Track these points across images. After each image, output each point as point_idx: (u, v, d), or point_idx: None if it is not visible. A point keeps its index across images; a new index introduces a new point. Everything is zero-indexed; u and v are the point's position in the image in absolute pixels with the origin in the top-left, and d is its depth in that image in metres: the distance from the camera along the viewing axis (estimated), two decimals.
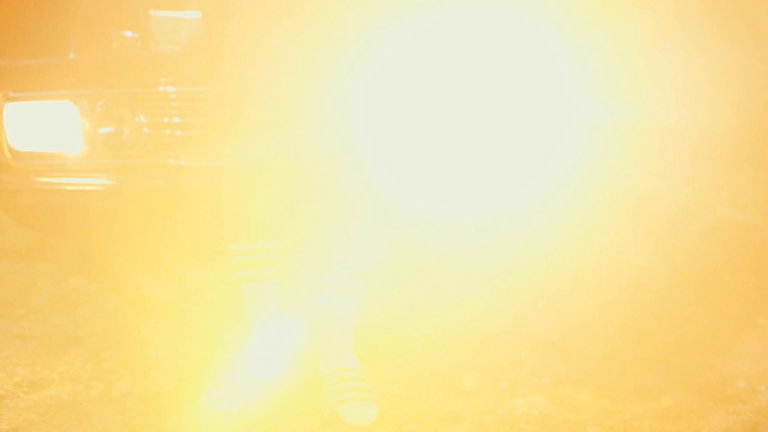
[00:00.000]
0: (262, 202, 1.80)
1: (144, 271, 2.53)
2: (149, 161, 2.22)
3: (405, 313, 2.19)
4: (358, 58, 1.72)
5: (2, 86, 2.32)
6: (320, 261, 1.85)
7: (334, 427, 1.70)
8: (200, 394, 1.76)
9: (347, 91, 1.73)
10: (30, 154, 2.28)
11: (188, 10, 2.78)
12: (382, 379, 1.88)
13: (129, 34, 2.63)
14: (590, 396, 1.83)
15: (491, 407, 1.79)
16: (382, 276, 1.88)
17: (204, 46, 2.16)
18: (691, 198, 2.28)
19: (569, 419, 1.73)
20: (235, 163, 1.79)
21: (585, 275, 2.17)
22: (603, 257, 2.19)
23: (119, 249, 2.48)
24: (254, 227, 1.81)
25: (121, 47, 2.59)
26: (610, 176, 2.01)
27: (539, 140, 1.91)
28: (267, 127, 1.76)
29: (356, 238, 1.81)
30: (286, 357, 1.88)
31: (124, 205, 2.24)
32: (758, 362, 1.93)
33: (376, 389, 1.79)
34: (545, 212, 1.97)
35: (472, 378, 1.89)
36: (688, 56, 2.05)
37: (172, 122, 2.21)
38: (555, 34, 1.85)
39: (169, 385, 1.86)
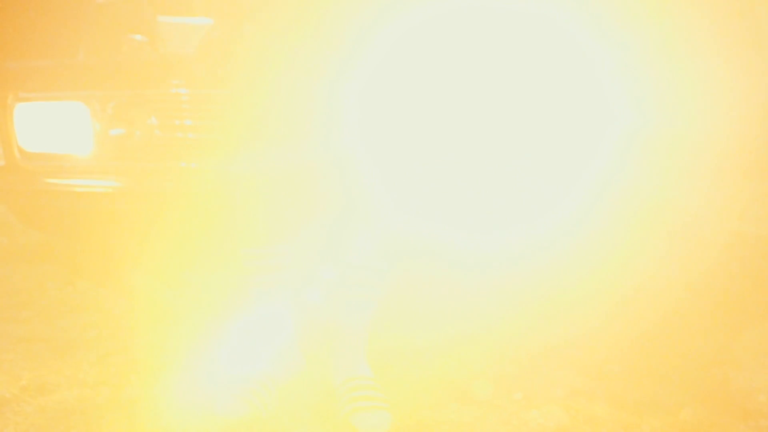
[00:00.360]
0: (275, 206, 1.78)
1: (152, 275, 2.50)
2: (160, 164, 2.19)
3: (417, 322, 2.16)
4: (373, 63, 1.70)
5: (13, 87, 2.30)
6: (333, 267, 1.83)
7: None
8: (210, 401, 1.74)
9: (362, 96, 1.71)
10: (40, 155, 2.26)
11: (198, 16, 2.77)
12: (395, 388, 1.84)
13: (138, 38, 2.61)
14: (606, 408, 1.80)
15: (506, 418, 1.75)
16: (395, 283, 1.85)
17: (217, 49, 2.15)
18: (704, 209, 2.25)
19: None
20: (248, 167, 1.76)
21: (597, 285, 2.14)
22: (616, 267, 2.15)
23: (128, 252, 2.46)
24: (267, 231, 1.79)
25: (130, 50, 2.57)
26: (641, 192, 1.96)
27: (564, 155, 1.86)
28: (279, 131, 1.74)
29: (369, 245, 1.78)
30: (298, 364, 1.85)
31: (134, 208, 2.22)
32: None
33: (389, 398, 1.76)
34: (565, 228, 1.94)
35: (485, 388, 1.86)
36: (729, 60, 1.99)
37: (184, 125, 2.19)
38: (584, 30, 1.79)
39: (178, 390, 1.83)
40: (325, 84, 1.70)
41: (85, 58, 2.46)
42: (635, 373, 1.96)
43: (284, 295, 1.82)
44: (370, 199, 1.77)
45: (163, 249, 2.45)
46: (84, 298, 2.45)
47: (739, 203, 2.12)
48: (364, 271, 1.79)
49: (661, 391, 1.89)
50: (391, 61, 1.71)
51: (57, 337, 2.17)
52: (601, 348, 2.08)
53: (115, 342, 2.11)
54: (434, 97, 1.82)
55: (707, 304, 2.24)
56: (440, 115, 1.82)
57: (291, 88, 1.71)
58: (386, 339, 2.01)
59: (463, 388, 1.87)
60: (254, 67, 1.77)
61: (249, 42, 1.76)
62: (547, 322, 2.16)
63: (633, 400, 1.85)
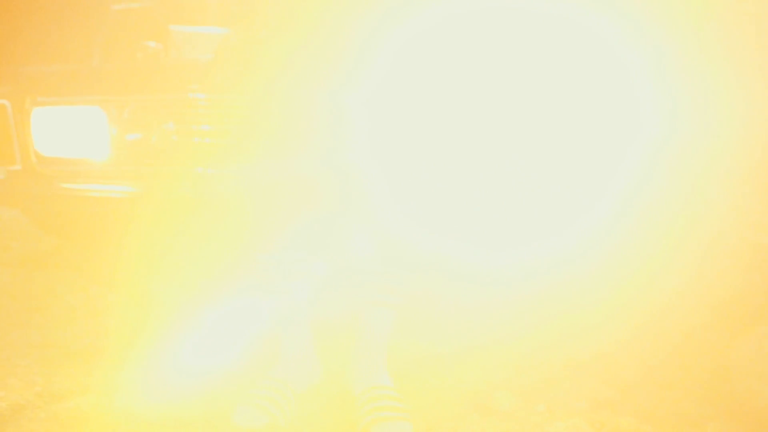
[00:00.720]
0: (291, 212, 1.75)
1: (168, 281, 2.48)
2: (177, 169, 2.17)
3: (438, 330, 2.13)
4: (389, 69, 1.67)
5: (30, 91, 2.29)
6: (352, 274, 1.80)
7: None
8: (228, 410, 1.71)
9: (375, 102, 1.68)
10: (56, 160, 2.24)
11: (209, 25, 2.76)
12: (416, 398, 1.81)
13: (152, 44, 2.61)
14: (631, 421, 1.76)
15: (529, 430, 1.72)
16: (415, 291, 1.82)
17: (234, 54, 2.13)
18: (723, 220, 2.21)
19: None
20: (264, 172, 1.74)
21: (623, 297, 2.11)
22: (642, 279, 2.12)
23: (142, 258, 2.44)
24: (282, 237, 1.76)
25: (145, 56, 2.56)
26: (669, 204, 1.92)
27: (590, 164, 1.82)
28: (295, 136, 1.71)
29: (389, 253, 1.75)
30: (315, 371, 1.82)
31: (150, 213, 2.19)
32: None
33: (410, 408, 1.72)
34: (591, 240, 1.90)
35: (507, 399, 1.82)
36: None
37: (201, 130, 2.17)
38: (612, 33, 1.75)
39: (195, 399, 1.80)
40: (338, 89, 1.67)
41: (102, 62, 2.45)
42: (657, 385, 1.92)
43: (300, 301, 1.79)
44: (389, 207, 1.74)
45: (178, 255, 2.43)
46: (98, 303, 2.43)
47: None
48: (385, 278, 1.76)
49: (687, 405, 1.85)
50: (405, 66, 1.68)
51: (71, 344, 2.14)
52: (625, 360, 2.04)
53: (129, 348, 2.09)
54: (452, 105, 1.79)
55: (734, 317, 2.20)
56: (460, 124, 1.80)
57: (307, 93, 1.69)
58: (407, 348, 1.98)
59: (485, 398, 1.84)
60: (271, 72, 1.75)
61: (265, 48, 1.75)
62: (571, 334, 2.12)
63: (657, 413, 1.81)
